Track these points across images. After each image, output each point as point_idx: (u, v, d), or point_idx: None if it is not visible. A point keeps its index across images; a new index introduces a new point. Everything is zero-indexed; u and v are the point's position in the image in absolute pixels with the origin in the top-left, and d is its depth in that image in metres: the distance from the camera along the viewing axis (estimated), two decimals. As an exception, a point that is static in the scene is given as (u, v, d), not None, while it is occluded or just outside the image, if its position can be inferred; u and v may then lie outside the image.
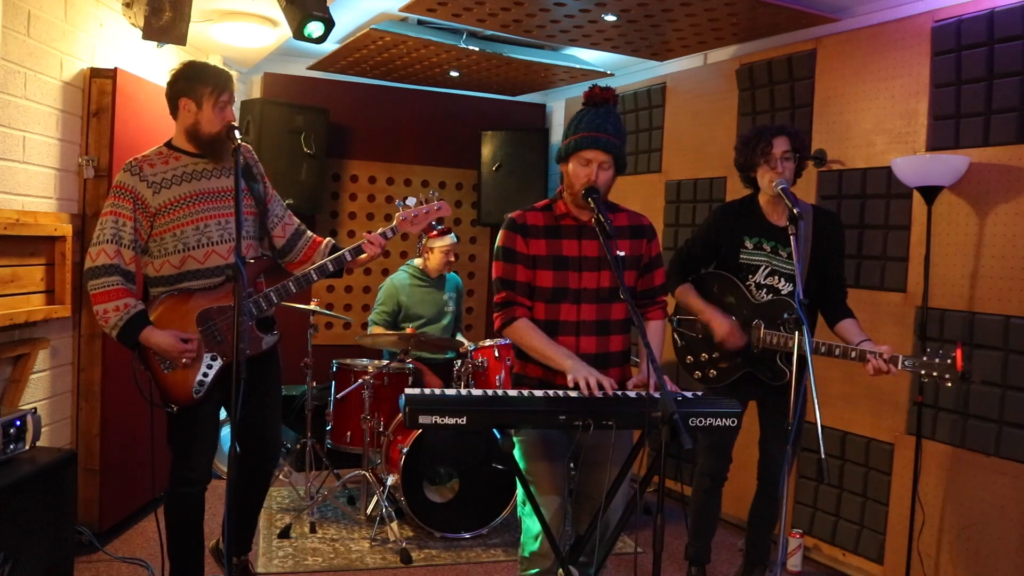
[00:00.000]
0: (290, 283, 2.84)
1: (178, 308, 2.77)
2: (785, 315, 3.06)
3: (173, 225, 2.77)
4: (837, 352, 2.93)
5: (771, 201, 3.16)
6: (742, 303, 3.16)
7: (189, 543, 2.89)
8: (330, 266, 2.88)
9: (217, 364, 2.77)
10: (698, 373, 3.31)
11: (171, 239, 2.77)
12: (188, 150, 2.84)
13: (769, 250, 3.16)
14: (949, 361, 2.71)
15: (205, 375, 2.75)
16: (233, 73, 2.89)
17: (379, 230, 2.97)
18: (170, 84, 2.81)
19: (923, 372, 2.77)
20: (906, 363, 2.78)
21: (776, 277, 3.15)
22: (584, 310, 2.54)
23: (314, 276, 2.87)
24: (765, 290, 3.16)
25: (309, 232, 3.13)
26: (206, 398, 2.78)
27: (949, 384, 2.76)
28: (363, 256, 2.92)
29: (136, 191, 2.73)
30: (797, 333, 2.73)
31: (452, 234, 4.76)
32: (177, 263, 2.78)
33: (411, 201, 3.01)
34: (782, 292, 3.14)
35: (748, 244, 3.17)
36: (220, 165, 2.86)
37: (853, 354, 2.90)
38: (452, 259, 4.77)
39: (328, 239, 3.10)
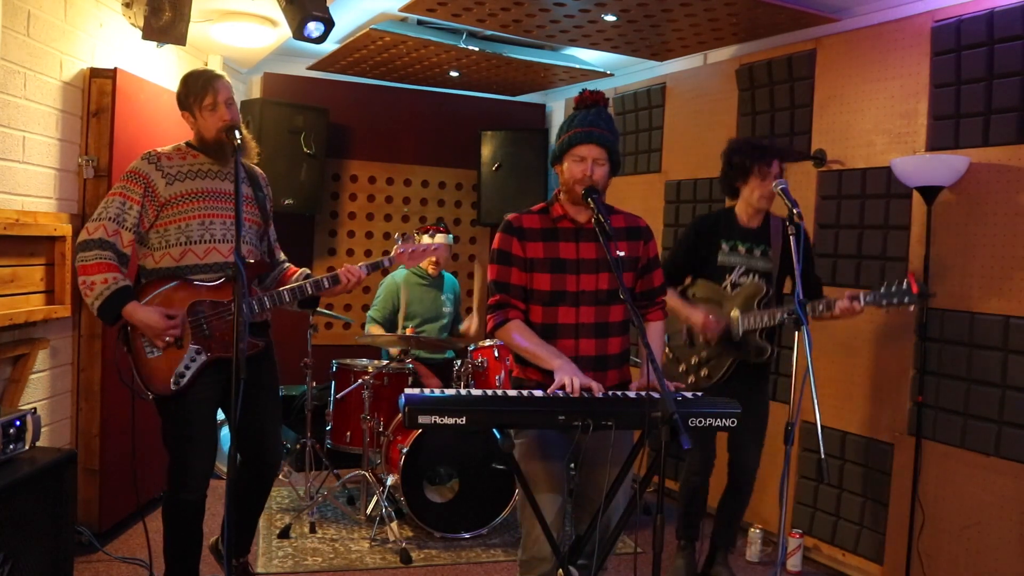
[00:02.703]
0: (284, 292, 2.87)
1: (171, 294, 2.75)
2: (785, 315, 3.14)
3: (179, 218, 2.77)
4: (808, 312, 3.10)
5: (748, 210, 3.37)
6: (718, 299, 3.36)
7: (187, 547, 2.88)
8: (309, 288, 2.90)
9: (201, 358, 2.74)
10: (692, 378, 3.42)
11: (175, 231, 2.77)
12: (203, 150, 2.87)
13: (744, 251, 3.37)
14: (904, 287, 2.98)
15: (187, 367, 2.72)
16: (221, 72, 2.88)
17: (368, 261, 3.02)
18: (178, 105, 2.85)
19: (884, 303, 3.03)
20: (867, 298, 3.05)
21: (751, 275, 3.34)
22: (583, 312, 2.54)
23: (309, 288, 2.90)
24: (739, 288, 3.35)
25: (286, 264, 3.14)
26: (186, 392, 2.74)
27: (911, 308, 3.02)
28: (338, 286, 2.93)
29: (150, 178, 2.75)
30: (797, 333, 2.75)
31: (442, 234, 4.61)
32: (177, 256, 2.78)
33: (411, 238, 3.13)
34: None
35: (724, 247, 3.37)
36: (229, 168, 2.86)
37: (820, 307, 3.13)
38: (437, 263, 4.73)
39: (304, 269, 3.09)
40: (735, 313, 3.27)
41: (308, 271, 3.08)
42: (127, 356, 2.75)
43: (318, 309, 4.45)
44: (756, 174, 3.26)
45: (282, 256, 3.15)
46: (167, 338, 2.69)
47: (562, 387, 2.32)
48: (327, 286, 2.92)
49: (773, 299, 3.31)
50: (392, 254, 3.06)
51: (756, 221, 3.38)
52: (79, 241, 2.69)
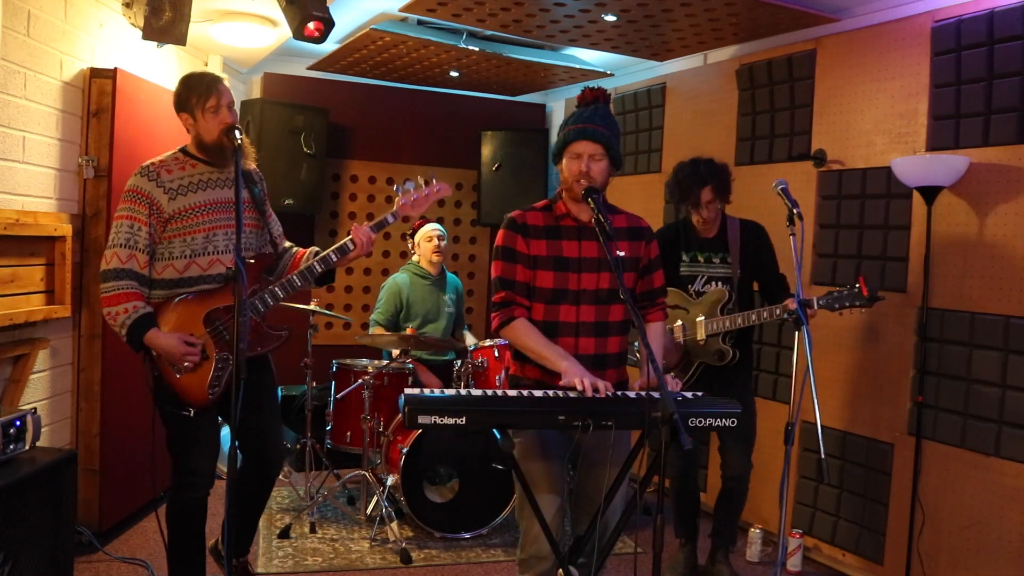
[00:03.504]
0: (295, 277, 2.85)
1: (185, 311, 2.77)
2: (785, 316, 3.13)
3: (184, 232, 2.77)
4: (766, 316, 3.21)
5: (703, 221, 3.43)
6: (685, 306, 3.47)
7: (192, 547, 2.89)
8: (317, 267, 2.88)
9: (230, 363, 2.75)
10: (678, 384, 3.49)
11: (179, 244, 2.78)
12: (202, 158, 2.85)
13: (703, 261, 3.48)
14: (856, 289, 3.07)
15: (218, 375, 2.75)
16: (224, 76, 2.87)
17: (376, 219, 2.97)
18: (174, 107, 2.83)
19: (836, 306, 3.11)
20: (820, 302, 3.12)
21: (713, 283, 3.45)
22: (583, 311, 2.54)
23: (317, 267, 2.87)
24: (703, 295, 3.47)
25: (294, 249, 3.13)
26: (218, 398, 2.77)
27: (863, 310, 3.13)
28: (351, 253, 2.89)
29: (152, 196, 2.74)
30: (797, 333, 2.75)
31: (433, 223, 4.78)
32: (181, 268, 2.79)
33: (410, 185, 3.00)
34: None
35: (685, 258, 3.49)
36: (231, 174, 2.85)
37: (777, 311, 3.18)
38: (441, 244, 4.75)
39: (312, 248, 3.08)
40: (700, 318, 3.37)
41: (316, 248, 3.04)
42: (157, 377, 2.76)
43: (319, 309, 4.47)
44: (691, 206, 3.39)
45: (287, 244, 3.13)
46: (185, 364, 2.71)
47: (572, 386, 2.33)
48: (335, 259, 2.89)
49: (736, 304, 3.39)
50: (395, 208, 2.99)
51: (712, 230, 3.46)
52: (100, 271, 2.74)
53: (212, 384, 2.74)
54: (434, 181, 3.02)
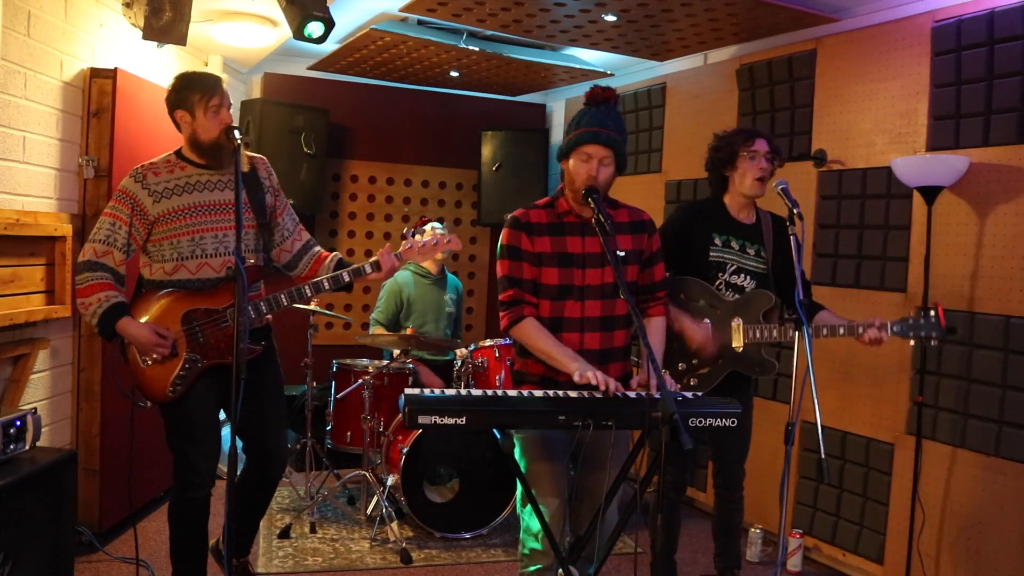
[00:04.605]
0: (282, 295, 2.82)
1: (165, 304, 2.78)
2: (785, 316, 3.11)
3: (170, 235, 2.78)
4: (825, 332, 3.01)
5: (739, 202, 3.14)
6: (715, 304, 3.10)
7: (194, 547, 2.89)
8: (326, 284, 2.84)
9: (197, 366, 2.76)
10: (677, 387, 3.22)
11: (168, 247, 2.79)
12: (194, 160, 2.84)
13: (737, 248, 3.13)
14: (933, 320, 2.94)
15: (182, 375, 2.75)
16: (224, 76, 2.88)
17: (373, 259, 2.93)
18: (166, 101, 2.83)
19: (911, 334, 2.98)
20: (894, 328, 2.98)
21: (742, 275, 3.12)
22: (588, 306, 2.54)
23: (308, 291, 2.83)
24: (732, 290, 3.12)
25: (317, 247, 3.08)
26: (186, 395, 2.76)
27: (934, 342, 2.98)
28: (371, 275, 2.85)
29: (137, 198, 2.76)
30: (798, 334, 2.75)
31: (435, 224, 4.65)
32: (169, 270, 2.80)
33: (421, 232, 3.02)
34: (747, 291, 3.12)
35: (717, 241, 3.12)
36: (224, 176, 2.84)
37: (841, 331, 3.01)
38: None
39: (335, 253, 3.04)
40: (737, 323, 3.06)
41: (339, 255, 3.02)
42: (125, 365, 2.78)
43: (319, 309, 4.47)
44: (743, 155, 3.06)
45: (308, 238, 3.08)
46: (154, 355, 2.72)
47: (587, 381, 2.32)
48: (347, 279, 2.84)
49: (777, 309, 3.11)
50: (400, 250, 2.97)
51: (748, 216, 3.16)
52: (76, 263, 2.76)
53: (175, 383, 2.74)
54: (446, 232, 3.04)
